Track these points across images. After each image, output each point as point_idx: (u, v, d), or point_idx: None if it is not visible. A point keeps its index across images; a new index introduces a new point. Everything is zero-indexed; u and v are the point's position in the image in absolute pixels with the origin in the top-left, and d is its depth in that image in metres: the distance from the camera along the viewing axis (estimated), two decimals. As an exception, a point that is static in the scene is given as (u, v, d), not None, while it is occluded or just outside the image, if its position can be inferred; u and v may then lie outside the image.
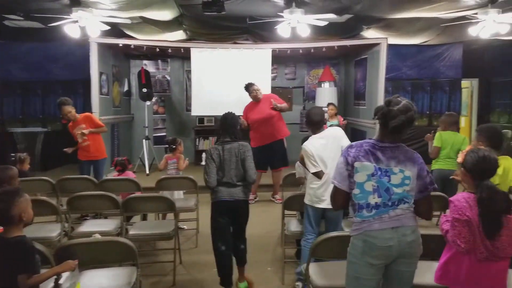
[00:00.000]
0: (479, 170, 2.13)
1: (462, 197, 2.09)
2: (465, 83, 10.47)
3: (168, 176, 4.84)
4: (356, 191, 2.08)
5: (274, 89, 8.62)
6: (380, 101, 7.23)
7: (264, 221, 5.30)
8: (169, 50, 7.81)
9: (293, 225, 3.87)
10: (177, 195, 4.94)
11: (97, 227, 3.83)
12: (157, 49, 7.64)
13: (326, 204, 3.30)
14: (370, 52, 7.71)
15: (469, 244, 2.03)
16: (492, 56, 10.60)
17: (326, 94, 8.51)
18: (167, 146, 5.17)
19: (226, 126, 3.38)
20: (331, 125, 6.20)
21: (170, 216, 4.39)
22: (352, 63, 8.88)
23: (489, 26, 6.10)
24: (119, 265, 3.04)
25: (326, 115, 7.06)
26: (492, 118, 10.76)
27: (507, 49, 9.82)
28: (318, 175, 3.29)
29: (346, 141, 3.30)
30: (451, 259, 2.17)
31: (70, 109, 5.30)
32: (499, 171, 2.80)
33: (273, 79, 8.89)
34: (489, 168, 2.15)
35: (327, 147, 3.33)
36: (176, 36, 7.87)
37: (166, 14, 6.40)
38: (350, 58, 9.00)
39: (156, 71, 9.19)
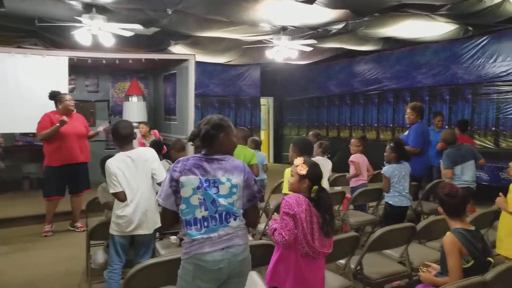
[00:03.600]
0: (316, 175, 2.33)
1: (293, 196, 2.26)
2: (263, 100, 11.69)
3: None
4: (182, 206, 2.03)
5: (74, 102, 7.69)
6: (191, 116, 7.27)
7: (63, 256, 4.53)
8: None
9: (100, 256, 3.43)
10: None
11: None
12: None
13: (136, 229, 3.04)
14: (179, 67, 7.70)
15: (292, 236, 2.18)
16: (283, 78, 12.18)
17: (134, 109, 8.09)
18: None
19: None
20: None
21: None
22: (161, 78, 8.72)
23: (282, 50, 6.90)
24: None
25: (137, 133, 6.67)
26: (285, 131, 12.33)
27: (295, 72, 11.46)
28: (118, 196, 2.98)
29: (158, 165, 3.13)
30: (280, 260, 2.29)
31: None
32: None
33: (71, 91, 7.90)
34: (321, 172, 2.37)
35: (136, 167, 3.04)
36: None
37: None
38: (158, 72, 8.81)
39: None
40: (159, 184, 2.94)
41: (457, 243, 2.25)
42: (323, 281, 2.38)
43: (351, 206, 4.67)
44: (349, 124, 10.16)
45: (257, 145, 5.52)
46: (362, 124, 9.80)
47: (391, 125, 9.08)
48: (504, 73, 6.99)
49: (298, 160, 2.35)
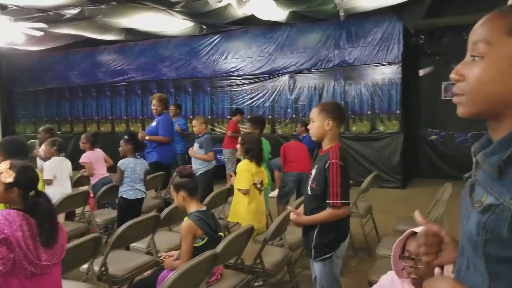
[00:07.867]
0: (28, 180, 1.93)
1: (0, 216, 1.82)
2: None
3: None
4: None
5: None
6: None
7: None
8: None
9: None
10: None
11: None
12: None
13: None
14: None
15: (8, 265, 1.77)
16: (11, 66, 10.35)
17: None
18: None
19: None
20: None
21: None
22: None
23: (2, 34, 5.77)
24: None
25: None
26: (18, 129, 10.56)
27: (26, 60, 9.89)
28: None
29: None
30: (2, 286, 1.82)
31: None
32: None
33: None
34: (35, 175, 1.99)
35: None
36: None
37: None
38: None
39: None
40: None
41: (193, 227, 2.42)
42: None
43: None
44: (96, 118, 9.60)
45: None
46: (110, 117, 9.42)
47: (140, 117, 9.10)
48: (234, 69, 8.07)
49: (3, 166, 1.93)
